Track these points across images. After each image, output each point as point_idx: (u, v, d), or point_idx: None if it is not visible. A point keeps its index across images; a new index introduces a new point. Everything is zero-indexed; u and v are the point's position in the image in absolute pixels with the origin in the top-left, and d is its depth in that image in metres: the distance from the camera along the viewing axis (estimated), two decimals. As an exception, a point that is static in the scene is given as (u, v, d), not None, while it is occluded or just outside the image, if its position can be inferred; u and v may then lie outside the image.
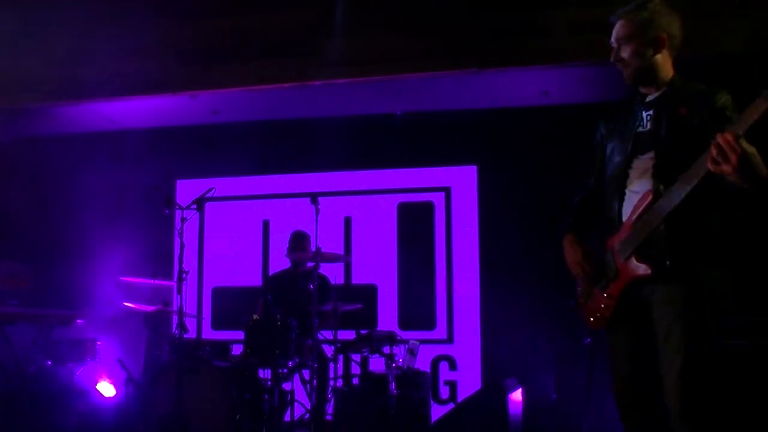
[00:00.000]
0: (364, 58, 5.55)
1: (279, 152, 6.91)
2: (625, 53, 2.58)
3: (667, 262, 2.40)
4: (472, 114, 6.45)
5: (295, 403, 5.18)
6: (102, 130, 6.95)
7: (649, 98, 2.62)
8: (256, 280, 6.88)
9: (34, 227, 6.83)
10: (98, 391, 5.44)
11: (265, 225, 6.99)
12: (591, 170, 2.84)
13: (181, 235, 4.87)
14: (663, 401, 2.44)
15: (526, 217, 6.20)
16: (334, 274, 5.85)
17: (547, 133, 6.16)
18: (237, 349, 5.28)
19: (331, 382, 5.26)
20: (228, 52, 5.78)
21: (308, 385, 4.99)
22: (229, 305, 6.83)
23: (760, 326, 4.07)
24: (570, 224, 2.83)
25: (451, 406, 5.90)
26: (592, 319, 2.69)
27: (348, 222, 6.80)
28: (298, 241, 5.79)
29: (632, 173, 2.57)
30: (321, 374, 5.26)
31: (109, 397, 5.45)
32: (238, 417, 4.55)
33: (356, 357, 5.69)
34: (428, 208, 6.69)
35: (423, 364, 6.05)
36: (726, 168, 2.12)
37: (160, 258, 6.53)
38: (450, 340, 6.46)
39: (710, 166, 2.15)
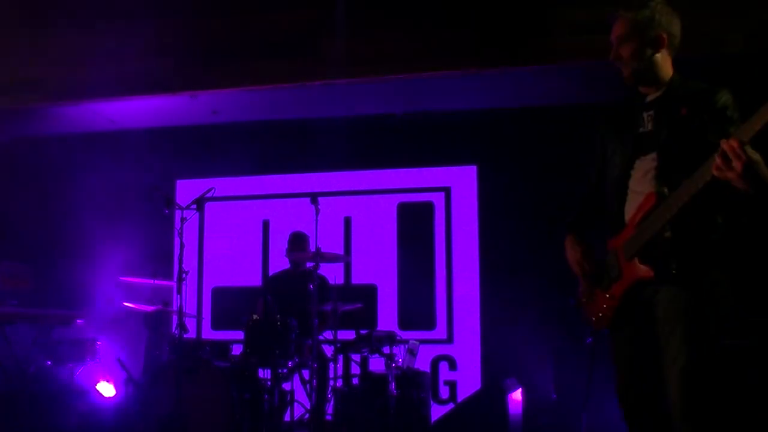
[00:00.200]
0: (364, 58, 5.55)
1: (279, 152, 6.90)
2: (625, 52, 2.57)
3: (673, 270, 2.39)
4: (472, 114, 6.45)
5: (295, 403, 5.18)
6: (102, 130, 6.95)
7: (649, 98, 2.62)
8: (256, 280, 6.87)
9: (34, 227, 6.82)
10: (98, 391, 5.44)
11: (265, 225, 6.99)
12: (592, 171, 2.84)
13: (181, 235, 4.87)
14: (666, 401, 2.43)
15: (526, 217, 6.20)
16: (333, 274, 5.84)
17: (547, 133, 6.16)
18: (237, 349, 5.28)
19: (331, 382, 5.27)
20: (228, 52, 5.78)
21: (308, 385, 4.99)
22: (229, 305, 6.82)
23: (760, 326, 4.07)
24: (571, 224, 2.83)
25: (451, 406, 5.90)
26: (594, 319, 2.69)
27: (348, 222, 6.80)
28: (298, 241, 5.79)
29: (634, 174, 2.57)
30: (321, 374, 5.26)
31: (109, 397, 5.45)
32: (238, 416, 4.54)
33: (356, 357, 5.69)
34: (428, 208, 6.69)
35: (423, 364, 6.04)
36: (731, 175, 2.12)
37: (160, 258, 6.53)
38: (450, 340, 6.46)
39: (715, 172, 2.15)
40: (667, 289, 2.43)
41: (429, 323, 6.50)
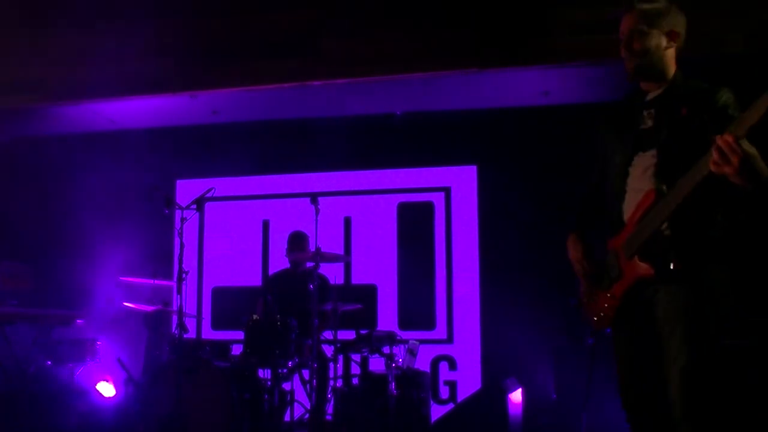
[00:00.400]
0: (364, 58, 5.55)
1: (279, 152, 6.90)
2: (639, 44, 2.55)
3: (672, 265, 2.39)
4: (472, 114, 6.45)
5: (295, 403, 5.18)
6: (102, 130, 6.95)
7: (649, 97, 2.62)
8: (256, 280, 6.87)
9: (34, 227, 6.82)
10: (98, 391, 5.44)
11: (265, 225, 6.99)
12: (593, 170, 2.84)
13: (181, 235, 4.87)
14: (667, 401, 2.43)
15: (526, 217, 6.20)
16: (334, 274, 5.85)
17: (547, 133, 6.16)
18: (237, 349, 5.28)
19: (331, 382, 5.27)
20: (228, 52, 5.77)
21: (308, 385, 4.99)
22: (229, 305, 6.82)
23: (760, 326, 4.07)
24: (572, 224, 2.83)
25: (451, 406, 5.90)
26: (595, 319, 2.69)
27: (348, 222, 6.80)
28: (297, 241, 5.79)
29: (633, 171, 2.57)
30: (321, 374, 5.26)
31: (109, 397, 5.45)
32: (238, 416, 4.54)
33: (356, 357, 5.69)
34: (428, 208, 6.69)
35: (423, 364, 6.04)
36: (727, 170, 2.12)
37: (160, 258, 6.53)
38: (450, 340, 6.46)
39: (712, 167, 2.15)
40: (667, 289, 2.43)
41: (429, 323, 6.50)
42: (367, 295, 6.51)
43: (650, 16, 2.55)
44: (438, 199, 6.68)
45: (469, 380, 6.29)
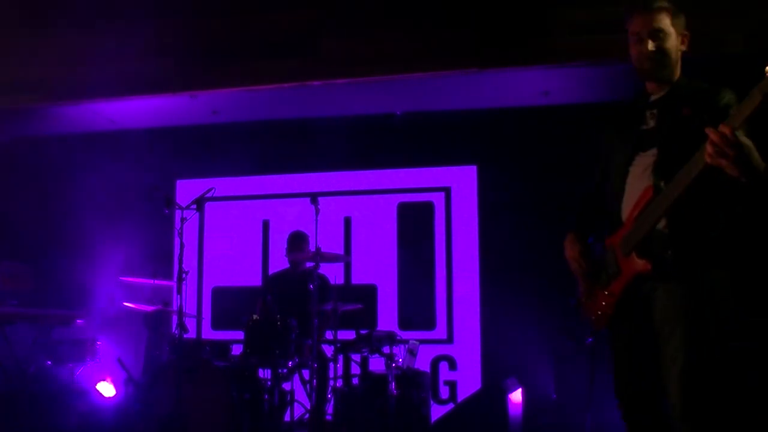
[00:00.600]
0: (364, 58, 5.54)
1: (279, 152, 6.90)
2: (663, 44, 2.55)
3: (669, 254, 2.39)
4: (472, 114, 6.45)
5: (295, 403, 5.18)
6: (102, 130, 6.95)
7: (653, 98, 2.62)
8: (256, 280, 6.87)
9: (34, 227, 6.82)
10: (98, 391, 5.44)
11: (265, 225, 6.99)
12: (595, 170, 2.84)
13: (181, 235, 4.87)
14: (665, 401, 2.44)
15: (526, 217, 6.20)
16: (334, 274, 5.84)
17: (547, 133, 6.16)
18: (237, 349, 5.28)
19: (331, 382, 5.27)
20: (228, 52, 5.77)
21: (308, 385, 4.99)
22: (229, 305, 6.82)
23: (761, 327, 4.07)
24: (572, 224, 2.83)
25: (451, 406, 5.90)
26: (593, 318, 2.69)
27: (348, 222, 6.80)
28: (297, 241, 5.79)
29: (633, 170, 2.57)
30: (321, 374, 5.26)
31: (109, 397, 5.45)
32: (238, 416, 4.54)
33: (356, 357, 5.69)
34: (428, 208, 6.69)
35: (423, 364, 6.04)
36: (723, 161, 2.13)
37: (160, 258, 6.53)
38: (450, 340, 6.46)
39: (707, 159, 2.16)
40: (665, 287, 2.43)
41: (429, 323, 6.50)
42: (367, 295, 6.51)
43: (675, 18, 2.58)
44: (438, 199, 6.68)
45: (469, 380, 6.29)
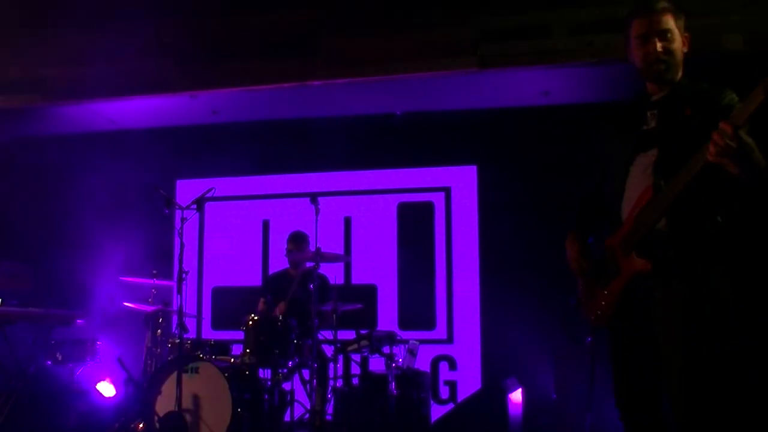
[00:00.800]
0: (364, 58, 5.55)
1: (279, 152, 6.90)
2: (674, 44, 2.56)
3: (669, 253, 2.39)
4: (472, 114, 6.45)
5: (295, 403, 5.18)
6: (102, 130, 6.95)
7: (654, 98, 2.62)
8: (256, 280, 6.87)
9: (34, 227, 6.82)
10: (98, 391, 5.43)
11: (265, 225, 6.99)
12: (594, 170, 2.84)
13: (181, 235, 4.87)
14: (663, 400, 2.44)
15: (526, 217, 6.20)
16: (334, 274, 5.85)
17: (547, 133, 6.16)
18: (237, 349, 5.28)
19: (331, 382, 5.26)
20: (228, 52, 5.78)
21: (308, 385, 4.99)
22: (229, 305, 6.82)
23: (760, 326, 4.06)
24: (572, 223, 2.83)
25: (451, 406, 5.90)
26: (593, 318, 2.69)
27: (348, 222, 6.80)
28: (297, 241, 5.79)
29: (633, 170, 2.57)
30: (321, 374, 5.26)
31: (109, 397, 5.45)
32: (238, 416, 4.54)
33: (356, 357, 5.68)
34: (428, 208, 6.69)
35: (423, 364, 6.04)
36: (724, 159, 2.13)
37: (160, 258, 6.53)
38: (450, 340, 6.46)
39: (709, 156, 2.16)
40: (665, 286, 2.43)
41: (429, 323, 6.50)
42: (367, 295, 6.51)
43: (679, 21, 2.58)
44: (438, 199, 6.68)
45: (469, 380, 6.29)
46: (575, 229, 2.81)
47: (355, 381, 5.57)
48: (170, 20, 5.86)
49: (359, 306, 5.45)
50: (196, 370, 4.70)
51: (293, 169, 6.90)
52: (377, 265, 6.67)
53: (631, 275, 2.50)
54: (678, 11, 2.60)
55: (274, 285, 5.90)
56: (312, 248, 5.19)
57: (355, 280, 6.70)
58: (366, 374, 5.45)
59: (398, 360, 5.05)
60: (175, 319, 5.06)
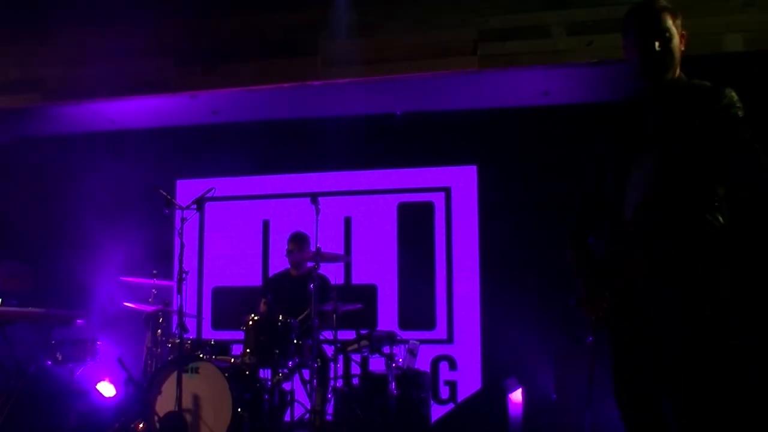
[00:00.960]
0: (364, 58, 5.54)
1: (279, 152, 6.91)
2: (672, 43, 2.56)
3: (669, 253, 2.39)
4: (472, 114, 6.45)
5: (295, 403, 5.18)
6: (102, 130, 6.96)
7: (653, 97, 2.62)
8: (256, 280, 6.88)
9: (34, 227, 6.82)
10: (98, 391, 5.44)
11: (265, 225, 6.99)
12: (592, 170, 2.84)
13: (181, 235, 4.87)
14: (663, 401, 2.44)
15: (526, 217, 6.20)
16: (334, 274, 5.85)
17: (547, 133, 6.16)
18: (237, 349, 5.28)
19: (331, 382, 5.26)
20: (228, 52, 5.77)
21: (308, 385, 4.99)
22: (229, 305, 6.83)
23: (761, 326, 4.07)
24: (572, 224, 2.83)
25: (451, 406, 5.90)
26: (593, 318, 2.69)
27: (348, 222, 6.80)
28: (297, 242, 5.79)
29: (633, 170, 2.57)
30: (321, 374, 5.26)
31: (109, 397, 5.45)
32: (238, 416, 4.54)
33: (356, 357, 5.69)
34: (428, 208, 6.69)
35: (423, 364, 6.04)
36: None
37: (160, 258, 6.53)
38: (450, 340, 6.46)
39: None
40: (666, 287, 2.43)
41: (429, 323, 6.50)
42: (367, 295, 6.51)
43: (676, 19, 2.58)
44: (438, 199, 6.68)
45: (469, 380, 6.29)
46: (575, 229, 2.81)
47: (356, 381, 5.58)
48: (170, 20, 5.85)
49: (359, 306, 5.45)
50: (196, 370, 4.70)
51: (293, 169, 6.90)
52: (377, 265, 6.67)
53: (632, 276, 2.49)
54: (676, 10, 2.60)
55: (275, 285, 5.90)
56: (312, 248, 5.19)
57: (355, 280, 6.70)
58: (366, 374, 5.45)
59: (398, 360, 5.05)
60: (175, 319, 5.06)
